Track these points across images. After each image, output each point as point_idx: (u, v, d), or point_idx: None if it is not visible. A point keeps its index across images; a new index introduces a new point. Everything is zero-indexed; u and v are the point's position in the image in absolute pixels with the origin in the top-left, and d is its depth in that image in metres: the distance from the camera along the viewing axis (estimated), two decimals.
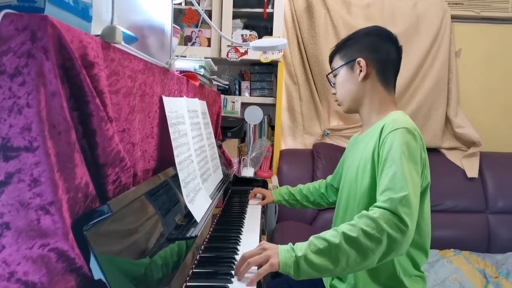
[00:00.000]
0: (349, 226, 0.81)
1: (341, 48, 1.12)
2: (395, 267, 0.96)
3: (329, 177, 1.38)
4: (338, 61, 1.11)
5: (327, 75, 1.18)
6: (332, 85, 1.16)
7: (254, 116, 2.11)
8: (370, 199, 0.95)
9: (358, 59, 1.05)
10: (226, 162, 1.75)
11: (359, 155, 1.03)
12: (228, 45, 2.07)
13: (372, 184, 0.95)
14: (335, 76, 1.13)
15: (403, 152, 0.87)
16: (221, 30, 2.04)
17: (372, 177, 0.95)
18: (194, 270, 0.84)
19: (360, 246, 0.79)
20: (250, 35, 2.11)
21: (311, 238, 0.82)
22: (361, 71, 1.05)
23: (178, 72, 1.20)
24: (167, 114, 0.88)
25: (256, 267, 0.81)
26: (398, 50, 1.07)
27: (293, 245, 0.82)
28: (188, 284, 0.78)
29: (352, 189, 1.04)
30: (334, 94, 1.15)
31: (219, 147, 1.67)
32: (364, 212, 0.83)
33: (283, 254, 0.80)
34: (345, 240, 0.79)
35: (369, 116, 1.08)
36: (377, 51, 1.05)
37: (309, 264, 0.78)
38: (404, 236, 0.80)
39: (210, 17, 2.07)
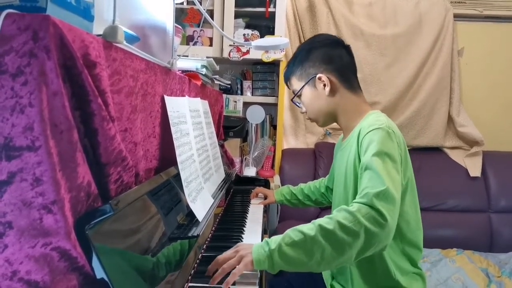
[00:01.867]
0: (326, 219, 0.79)
1: (293, 69, 1.09)
2: (389, 267, 0.94)
3: (327, 178, 1.38)
4: (297, 83, 1.09)
5: (291, 99, 1.16)
6: (299, 105, 1.14)
7: (256, 116, 2.11)
8: None
9: (318, 76, 1.03)
10: (228, 161, 1.75)
11: (344, 163, 1.02)
12: (230, 45, 2.07)
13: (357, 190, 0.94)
14: (299, 97, 1.10)
15: (378, 152, 0.85)
16: (223, 30, 2.04)
17: (356, 185, 0.94)
18: (196, 269, 0.85)
19: (336, 239, 0.76)
20: (252, 34, 2.11)
21: (287, 230, 0.80)
22: (325, 85, 1.03)
23: (180, 71, 1.20)
24: (169, 113, 0.89)
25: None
26: (348, 50, 1.06)
27: (269, 238, 0.80)
28: (190, 284, 0.79)
29: (342, 198, 1.03)
30: (304, 113, 1.13)
31: (221, 146, 1.67)
32: (343, 206, 0.81)
33: (256, 251, 0.78)
34: (320, 232, 0.76)
35: (347, 123, 1.07)
36: (331, 61, 1.04)
37: (282, 257, 0.76)
38: (383, 230, 0.77)
39: (212, 16, 2.07)
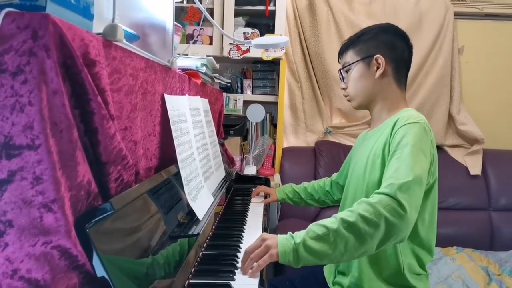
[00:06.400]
0: (348, 212, 0.82)
1: (355, 42, 1.09)
2: (400, 264, 0.96)
3: (335, 175, 1.38)
4: (352, 56, 1.09)
5: (340, 70, 1.14)
6: (343, 79, 1.13)
7: (256, 114, 2.11)
8: None
9: (376, 56, 1.04)
10: (228, 160, 1.75)
11: (368, 151, 1.03)
12: (230, 43, 2.07)
13: (381, 179, 0.94)
14: (347, 71, 1.11)
15: (414, 144, 0.88)
16: (223, 28, 2.04)
17: (381, 172, 0.95)
18: (197, 268, 0.85)
19: (358, 230, 0.79)
20: (252, 33, 2.11)
21: (310, 225, 0.84)
22: (378, 68, 1.04)
23: (180, 70, 1.20)
24: (169, 112, 0.89)
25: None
26: (410, 49, 1.08)
27: (293, 233, 0.84)
28: (190, 281, 0.79)
29: (359, 184, 1.04)
30: (344, 89, 1.13)
31: (221, 145, 1.67)
32: (363, 198, 0.84)
33: (282, 243, 0.82)
34: (343, 225, 0.80)
35: (380, 113, 1.08)
36: (393, 49, 1.05)
37: (308, 250, 0.79)
38: (403, 221, 0.80)
39: (212, 15, 2.06)
